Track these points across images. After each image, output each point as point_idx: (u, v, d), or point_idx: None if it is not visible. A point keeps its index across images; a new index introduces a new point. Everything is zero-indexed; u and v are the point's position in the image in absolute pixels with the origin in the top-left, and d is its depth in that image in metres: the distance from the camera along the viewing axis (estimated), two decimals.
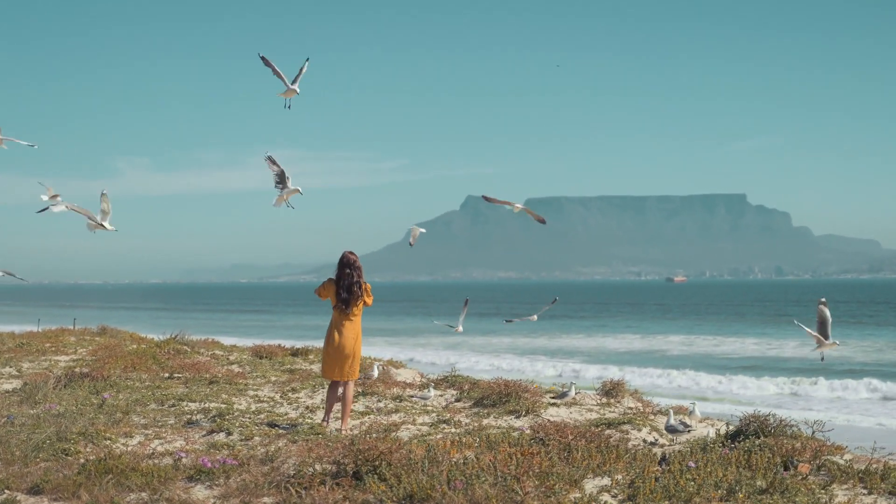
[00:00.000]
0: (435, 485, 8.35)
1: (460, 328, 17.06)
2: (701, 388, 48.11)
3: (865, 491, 9.31)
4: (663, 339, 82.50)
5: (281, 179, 14.01)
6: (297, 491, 8.55)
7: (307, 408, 15.61)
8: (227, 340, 31.71)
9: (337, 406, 13.89)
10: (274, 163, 13.93)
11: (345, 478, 8.72)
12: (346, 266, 13.61)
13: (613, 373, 53.08)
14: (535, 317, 19.09)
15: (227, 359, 23.73)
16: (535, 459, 9.17)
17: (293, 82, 13.89)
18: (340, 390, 13.54)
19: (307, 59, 14.10)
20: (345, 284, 13.50)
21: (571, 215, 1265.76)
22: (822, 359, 14.38)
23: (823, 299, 13.65)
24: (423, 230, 17.03)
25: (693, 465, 9.60)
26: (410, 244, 17.74)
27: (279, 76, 13.80)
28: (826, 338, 13.36)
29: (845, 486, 9.40)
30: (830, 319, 13.47)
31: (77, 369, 20.34)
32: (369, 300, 13.72)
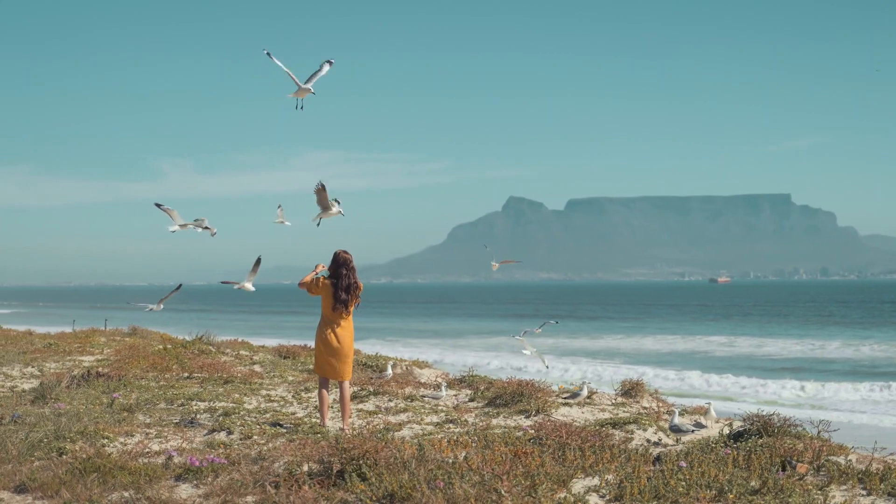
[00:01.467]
0: (415, 484, 8.23)
1: (248, 286, 15.95)
2: (737, 390, 47.54)
3: (864, 492, 9.09)
4: (704, 340, 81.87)
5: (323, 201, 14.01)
6: (275, 490, 8.46)
7: (316, 408, 15.53)
8: (258, 341, 31.82)
9: (337, 406, 13.81)
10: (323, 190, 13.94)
11: (328, 477, 8.62)
12: (343, 266, 13.50)
13: (650, 374, 52.81)
14: (539, 329, 18.94)
15: (251, 359, 23.77)
16: (525, 459, 9.02)
17: (306, 82, 13.68)
18: (336, 390, 13.48)
19: (328, 62, 13.84)
20: (343, 285, 13.41)
21: (614, 216, 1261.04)
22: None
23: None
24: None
25: (685, 464, 9.41)
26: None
27: (289, 75, 13.53)
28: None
29: (844, 487, 9.18)
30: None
31: (98, 369, 20.44)
32: (358, 300, 13.66)
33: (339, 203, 14.16)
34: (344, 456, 8.79)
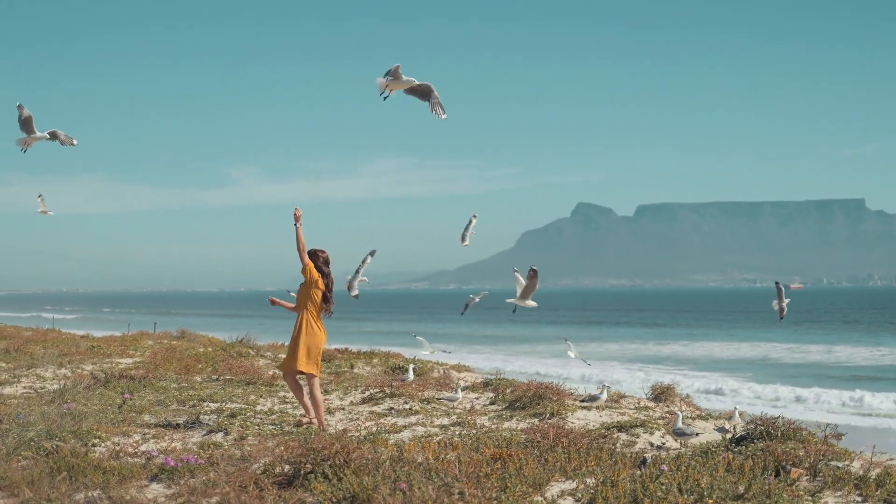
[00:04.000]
0: (378, 486, 8.00)
1: (357, 287, 15.95)
2: (786, 399, 46.46)
3: (860, 498, 8.69)
4: (771, 347, 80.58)
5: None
6: (237, 492, 8.28)
7: (328, 410, 15.38)
8: None
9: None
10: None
11: (295, 478, 8.42)
12: (327, 265, 13.71)
13: (714, 381, 52.07)
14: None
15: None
16: (505, 462, 8.74)
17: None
18: (306, 387, 13.42)
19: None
20: (329, 285, 13.67)
21: (684, 222, 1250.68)
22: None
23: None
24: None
25: (666, 468, 9.07)
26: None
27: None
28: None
29: (838, 493, 8.79)
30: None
31: (127, 371, 20.52)
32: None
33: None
34: (315, 456, 8.60)
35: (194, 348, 26.79)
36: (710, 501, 8.01)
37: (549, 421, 14.31)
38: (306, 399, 13.42)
